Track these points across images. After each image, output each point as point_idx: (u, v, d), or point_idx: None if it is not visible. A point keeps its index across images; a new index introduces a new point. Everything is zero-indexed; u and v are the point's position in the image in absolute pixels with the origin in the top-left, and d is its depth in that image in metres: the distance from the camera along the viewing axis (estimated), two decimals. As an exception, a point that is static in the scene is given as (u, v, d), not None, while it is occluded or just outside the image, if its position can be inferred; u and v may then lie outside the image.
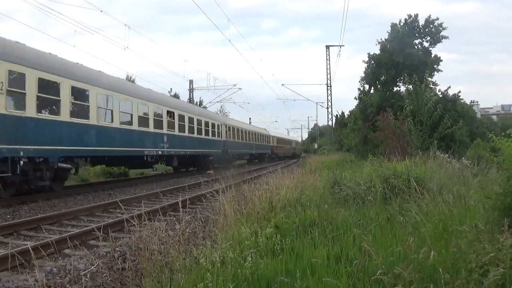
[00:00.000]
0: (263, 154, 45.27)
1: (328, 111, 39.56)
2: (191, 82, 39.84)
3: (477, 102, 68.56)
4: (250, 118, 64.59)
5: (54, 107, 12.00)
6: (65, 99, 12.23)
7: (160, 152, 18.82)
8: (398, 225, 5.01)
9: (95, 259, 5.14)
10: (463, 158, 8.86)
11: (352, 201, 6.87)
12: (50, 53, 12.58)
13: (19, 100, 10.56)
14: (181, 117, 21.72)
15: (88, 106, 13.47)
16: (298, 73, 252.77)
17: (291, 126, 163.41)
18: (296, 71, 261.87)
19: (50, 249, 5.45)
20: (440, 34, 28.18)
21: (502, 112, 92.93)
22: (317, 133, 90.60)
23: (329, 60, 38.29)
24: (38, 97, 11.06)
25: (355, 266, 3.71)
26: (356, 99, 32.33)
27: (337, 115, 51.84)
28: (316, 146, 74.27)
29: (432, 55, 28.39)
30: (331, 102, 39.48)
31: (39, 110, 11.18)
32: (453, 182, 6.59)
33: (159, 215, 6.74)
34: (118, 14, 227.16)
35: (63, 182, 13.44)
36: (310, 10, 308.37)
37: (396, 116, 18.85)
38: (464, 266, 3.13)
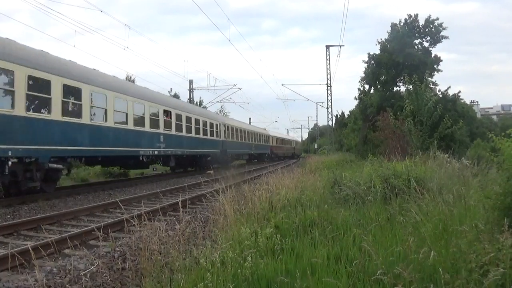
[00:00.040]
0: (262, 154, 45.04)
1: (328, 111, 39.62)
2: (191, 82, 39.88)
3: (477, 102, 68.70)
4: (250, 118, 64.71)
5: (44, 105, 11.61)
6: (56, 97, 11.87)
7: (156, 152, 18.48)
8: (398, 225, 5.01)
9: (95, 259, 5.14)
10: (463, 158, 8.86)
11: (352, 201, 6.86)
12: (42, 51, 12.25)
13: (7, 98, 10.25)
14: (179, 117, 21.38)
15: (81, 104, 13.10)
16: (298, 73, 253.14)
17: (291, 126, 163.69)
18: (296, 71, 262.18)
19: (50, 249, 5.44)
20: (440, 34, 28.20)
21: (502, 112, 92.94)
22: (317, 133, 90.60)
23: (329, 60, 38.34)
24: (27, 95, 10.75)
25: (355, 266, 3.71)
26: (356, 99, 32.39)
27: (337, 115, 51.92)
28: (316, 146, 74.27)
29: (432, 55, 28.40)
30: (331, 102, 39.55)
31: (28, 108, 10.84)
32: (453, 182, 6.59)
33: (159, 215, 6.74)
34: (118, 14, 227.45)
35: (55, 183, 13.11)
36: (310, 10, 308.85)
37: (396, 116, 18.85)
38: (464, 266, 3.13)
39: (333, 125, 44.25)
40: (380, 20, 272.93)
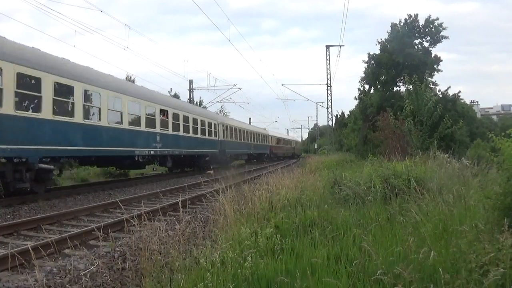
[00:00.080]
0: (261, 154, 44.82)
1: (328, 111, 39.62)
2: (191, 82, 39.87)
3: (477, 102, 68.74)
4: (250, 118, 64.71)
5: (34, 104, 11.22)
6: (47, 95, 11.42)
7: (152, 152, 18.09)
8: (398, 225, 5.01)
9: (95, 259, 5.14)
10: (463, 158, 8.86)
11: (352, 201, 6.86)
12: (33, 47, 11.90)
13: None
14: (176, 116, 20.98)
15: (73, 103, 12.66)
16: (298, 73, 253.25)
17: (291, 126, 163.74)
18: (296, 71, 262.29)
19: (50, 249, 5.44)
20: (440, 34, 28.21)
21: (502, 112, 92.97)
22: (317, 133, 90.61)
23: (329, 60, 38.34)
24: (16, 93, 10.36)
25: (355, 266, 3.71)
26: (356, 99, 32.40)
27: (337, 115, 51.95)
28: (316, 146, 74.28)
29: (432, 55, 28.41)
30: (331, 102, 39.55)
31: (17, 107, 10.46)
32: (453, 182, 6.59)
33: (159, 215, 6.74)
34: (118, 14, 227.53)
35: (46, 183, 12.55)
36: (310, 10, 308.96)
37: (396, 116, 18.85)
38: (464, 266, 3.13)
39: (333, 125, 44.26)
40: (380, 20, 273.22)
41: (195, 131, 23.79)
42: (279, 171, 11.38)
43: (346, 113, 48.76)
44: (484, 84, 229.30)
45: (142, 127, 17.24)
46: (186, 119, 22.40)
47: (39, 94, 11.19)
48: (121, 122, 15.57)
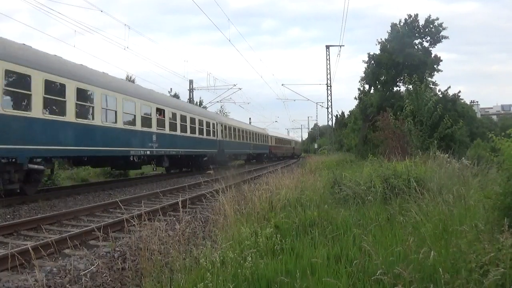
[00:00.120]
0: (261, 154, 44.61)
1: (328, 111, 39.61)
2: (191, 82, 39.88)
3: (477, 102, 68.82)
4: (250, 118, 64.73)
5: (24, 102, 10.80)
6: (38, 93, 11.02)
7: (148, 152, 17.64)
8: (398, 225, 5.01)
9: (95, 259, 5.15)
10: (463, 158, 8.86)
11: (352, 201, 6.86)
12: (23, 44, 11.55)
13: None
14: (173, 115, 20.61)
15: (65, 101, 12.24)
16: (298, 73, 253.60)
17: (291, 126, 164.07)
18: (296, 71, 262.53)
19: (50, 249, 5.44)
20: (440, 34, 28.21)
21: (502, 112, 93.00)
22: (317, 133, 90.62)
23: (329, 60, 38.34)
24: (4, 91, 10.03)
25: (355, 266, 3.71)
26: (356, 99, 32.42)
27: (337, 115, 52.01)
28: (316, 146, 74.29)
29: (432, 55, 28.41)
30: (331, 102, 39.55)
31: (5, 105, 10.11)
32: (453, 182, 6.59)
33: (159, 215, 6.74)
34: (118, 14, 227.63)
35: (37, 184, 12.18)
36: (310, 10, 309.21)
37: (396, 116, 18.85)
38: (464, 266, 3.13)
39: (333, 125, 44.27)
40: (380, 20, 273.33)
41: (193, 130, 23.41)
42: (279, 171, 11.38)
43: (346, 113, 48.87)
44: (484, 84, 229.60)
45: (138, 127, 16.85)
46: (183, 118, 22.02)
47: (29, 92, 10.81)
48: (115, 121, 15.19)
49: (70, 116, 12.47)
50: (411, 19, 28.72)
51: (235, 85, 38.24)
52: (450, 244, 3.68)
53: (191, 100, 39.55)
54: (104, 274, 4.81)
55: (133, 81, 35.75)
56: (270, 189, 8.11)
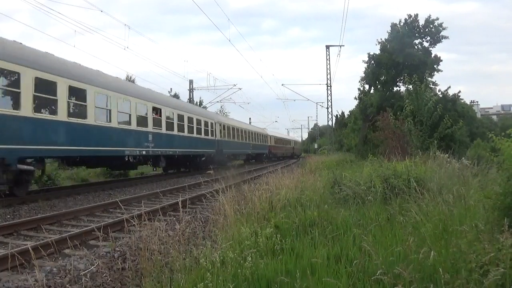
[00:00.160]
0: (260, 154, 44.34)
1: (328, 111, 39.61)
2: (191, 82, 39.89)
3: (477, 102, 68.84)
4: (250, 118, 64.75)
5: (13, 100, 10.44)
6: (27, 91, 10.61)
7: (144, 152, 17.24)
8: (398, 225, 5.02)
9: (95, 259, 5.15)
10: (463, 158, 8.86)
11: (352, 201, 6.87)
12: (14, 41, 11.25)
13: None
14: (170, 114, 20.24)
15: (56, 100, 11.85)
16: (298, 73, 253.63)
17: (291, 126, 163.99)
18: (296, 71, 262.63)
19: (50, 249, 5.44)
20: (440, 34, 28.20)
21: (502, 112, 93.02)
22: (317, 133, 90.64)
23: (329, 60, 38.32)
24: None
25: (355, 266, 3.71)
26: (356, 99, 32.42)
27: (337, 115, 52.01)
28: (316, 146, 74.30)
29: (432, 55, 28.41)
30: (331, 102, 39.54)
31: None
32: (453, 182, 6.59)
33: (159, 215, 6.74)
34: (118, 14, 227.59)
35: (27, 186, 11.83)
36: (310, 10, 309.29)
37: (396, 116, 18.86)
38: (464, 266, 3.13)
39: (333, 125, 44.27)
40: (380, 20, 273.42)
41: (190, 130, 23.01)
42: (279, 171, 11.38)
43: (346, 113, 48.86)
44: (484, 84, 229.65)
45: (133, 126, 16.48)
46: (180, 117, 21.62)
47: (17, 90, 10.42)
48: (109, 121, 14.83)
49: (61, 115, 12.11)
50: (411, 19, 28.73)
51: (235, 85, 38.28)
52: (450, 244, 3.68)
53: (191, 100, 39.54)
54: (104, 274, 4.81)
55: (133, 81, 35.76)
56: (270, 189, 8.11)
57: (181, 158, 22.86)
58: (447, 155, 9.18)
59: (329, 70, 38.43)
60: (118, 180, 19.72)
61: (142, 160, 18.58)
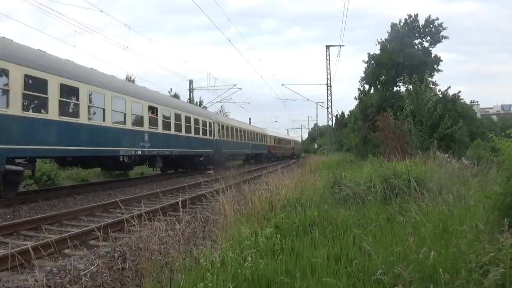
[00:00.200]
0: (260, 154, 44.09)
1: (328, 111, 39.62)
2: (191, 82, 39.89)
3: (477, 102, 68.90)
4: (250, 118, 64.74)
5: (1, 98, 10.12)
6: (16, 89, 10.29)
7: (139, 152, 16.84)
8: (398, 225, 5.01)
9: (95, 259, 5.15)
10: (463, 158, 8.86)
11: (352, 201, 6.86)
12: (4, 37, 10.91)
13: None
14: (166, 114, 19.87)
15: (47, 98, 11.47)
16: (298, 73, 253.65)
17: (291, 126, 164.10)
18: (296, 71, 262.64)
19: (50, 249, 5.44)
20: (440, 34, 28.22)
21: (502, 112, 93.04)
22: (317, 133, 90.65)
23: (329, 60, 38.34)
24: None
25: (355, 266, 3.71)
26: (356, 99, 32.43)
27: (337, 115, 52.05)
28: (316, 146, 74.30)
29: (432, 55, 28.42)
30: (331, 102, 39.57)
31: None
32: (453, 182, 6.59)
33: (159, 215, 6.74)
34: (118, 14, 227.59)
35: (16, 187, 11.51)
36: (310, 10, 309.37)
37: (396, 116, 18.86)
38: (464, 266, 3.13)
39: (333, 125, 44.28)
40: (380, 20, 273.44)
41: (188, 130, 22.57)
42: (279, 171, 11.38)
43: (346, 113, 48.88)
44: (484, 84, 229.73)
45: (128, 125, 16.03)
46: (178, 117, 21.25)
47: (6, 88, 10.12)
48: (103, 120, 14.42)
49: (52, 113, 11.72)
50: (411, 19, 28.74)
51: (235, 85, 38.28)
52: (450, 244, 3.68)
53: (191, 100, 39.53)
54: (104, 274, 4.81)
55: (133, 81, 35.76)
56: (270, 189, 8.11)
57: (179, 158, 22.48)
58: (447, 155, 9.18)
59: (329, 70, 38.49)
60: (118, 180, 19.70)
61: (138, 160, 18.22)
